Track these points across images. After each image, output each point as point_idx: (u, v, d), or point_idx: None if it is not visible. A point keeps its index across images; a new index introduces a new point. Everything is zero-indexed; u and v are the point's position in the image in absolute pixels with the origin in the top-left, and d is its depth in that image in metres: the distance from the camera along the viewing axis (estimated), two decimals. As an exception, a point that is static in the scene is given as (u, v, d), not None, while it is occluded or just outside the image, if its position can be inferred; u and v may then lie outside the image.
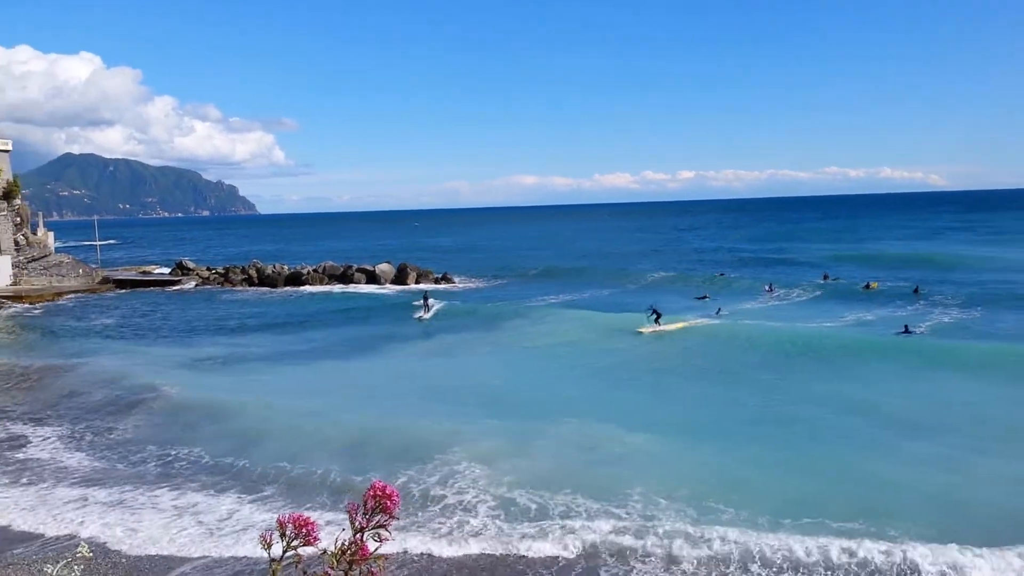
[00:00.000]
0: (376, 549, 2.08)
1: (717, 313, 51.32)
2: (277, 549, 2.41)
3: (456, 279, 79.95)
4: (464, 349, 42.74)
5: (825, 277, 67.59)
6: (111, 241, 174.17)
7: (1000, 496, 19.59)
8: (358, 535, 2.09)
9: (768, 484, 20.64)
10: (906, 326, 43.24)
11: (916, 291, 57.72)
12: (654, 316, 44.82)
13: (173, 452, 25.10)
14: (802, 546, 16.90)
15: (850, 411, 27.92)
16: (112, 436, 27.14)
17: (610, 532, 17.92)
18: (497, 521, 18.88)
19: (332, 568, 2.07)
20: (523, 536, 18.02)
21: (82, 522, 19.69)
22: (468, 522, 18.93)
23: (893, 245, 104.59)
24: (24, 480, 23.01)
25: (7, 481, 22.95)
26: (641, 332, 43.85)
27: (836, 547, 16.74)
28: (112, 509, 20.54)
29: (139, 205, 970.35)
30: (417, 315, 53.06)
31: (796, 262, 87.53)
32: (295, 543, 2.36)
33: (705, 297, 61.40)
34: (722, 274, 72.90)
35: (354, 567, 2.06)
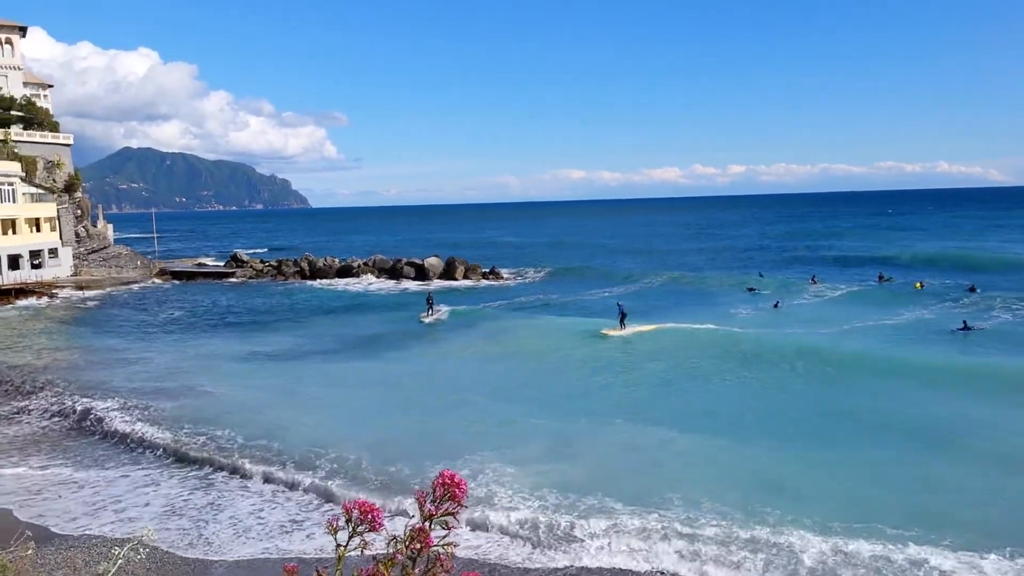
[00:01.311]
0: (445, 536, 2.12)
1: (776, 307, 52.13)
2: (343, 535, 2.47)
3: (505, 273, 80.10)
4: (501, 347, 42.74)
5: (881, 278, 65.42)
6: (167, 234, 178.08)
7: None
8: (427, 522, 2.13)
9: (815, 486, 20.22)
10: (965, 322, 42.18)
11: (972, 289, 55.62)
12: (620, 317, 42.48)
13: (222, 440, 25.58)
14: (853, 550, 16.38)
15: (896, 412, 27.27)
16: (173, 422, 27.77)
17: (651, 534, 17.67)
18: (528, 523, 18.57)
19: (401, 553, 2.11)
20: (555, 540, 17.69)
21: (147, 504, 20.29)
22: (502, 523, 18.72)
23: (948, 243, 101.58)
24: (87, 461, 23.73)
25: (69, 463, 23.69)
26: (606, 335, 41.65)
27: (891, 553, 16.20)
28: (172, 500, 21.08)
29: (195, 198, 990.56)
30: (422, 317, 50.48)
31: (845, 259, 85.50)
32: (361, 528, 2.42)
33: (753, 290, 61.60)
34: (761, 275, 70.14)
35: (423, 553, 2.10)
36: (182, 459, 24.12)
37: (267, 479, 22.01)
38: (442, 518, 2.11)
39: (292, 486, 21.41)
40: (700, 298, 57.49)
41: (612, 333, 41.74)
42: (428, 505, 2.14)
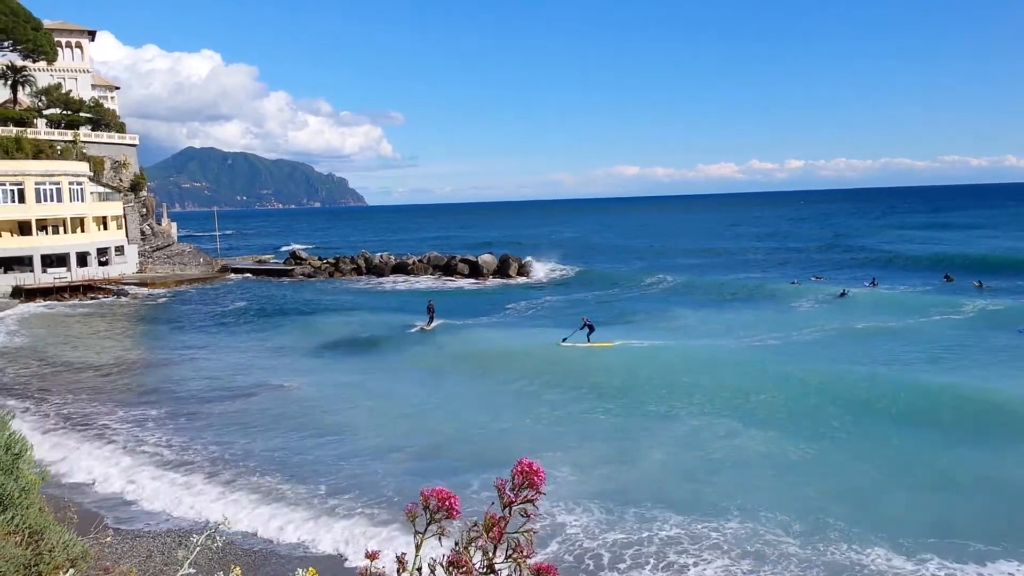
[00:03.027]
0: (524, 523, 2.16)
1: (872, 284, 58.81)
2: (421, 523, 2.52)
3: (558, 269, 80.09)
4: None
5: (947, 278, 63.51)
6: (228, 232, 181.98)
7: None
8: (506, 509, 2.17)
9: (885, 495, 19.62)
10: None
11: None
12: (586, 330, 39.27)
13: (288, 442, 26.13)
14: (928, 571, 15.63)
15: (973, 413, 26.51)
16: (234, 425, 28.42)
17: (704, 548, 17.48)
18: (583, 533, 18.49)
19: (483, 538, 2.15)
20: (607, 548, 17.61)
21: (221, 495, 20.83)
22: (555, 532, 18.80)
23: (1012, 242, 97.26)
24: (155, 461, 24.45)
25: (150, 462, 24.42)
26: (562, 344, 38.83)
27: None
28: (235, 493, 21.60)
29: (255, 197, 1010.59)
30: (417, 326, 46.89)
31: (905, 257, 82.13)
32: (439, 515, 2.46)
33: (820, 278, 62.80)
34: (802, 282, 63.40)
35: (502, 540, 2.14)
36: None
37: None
38: (521, 505, 2.15)
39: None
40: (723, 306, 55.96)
41: (569, 344, 38.68)
42: (507, 492, 2.17)
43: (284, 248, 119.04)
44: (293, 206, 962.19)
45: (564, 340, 38.96)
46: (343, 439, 25.16)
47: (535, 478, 2.12)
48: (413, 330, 46.08)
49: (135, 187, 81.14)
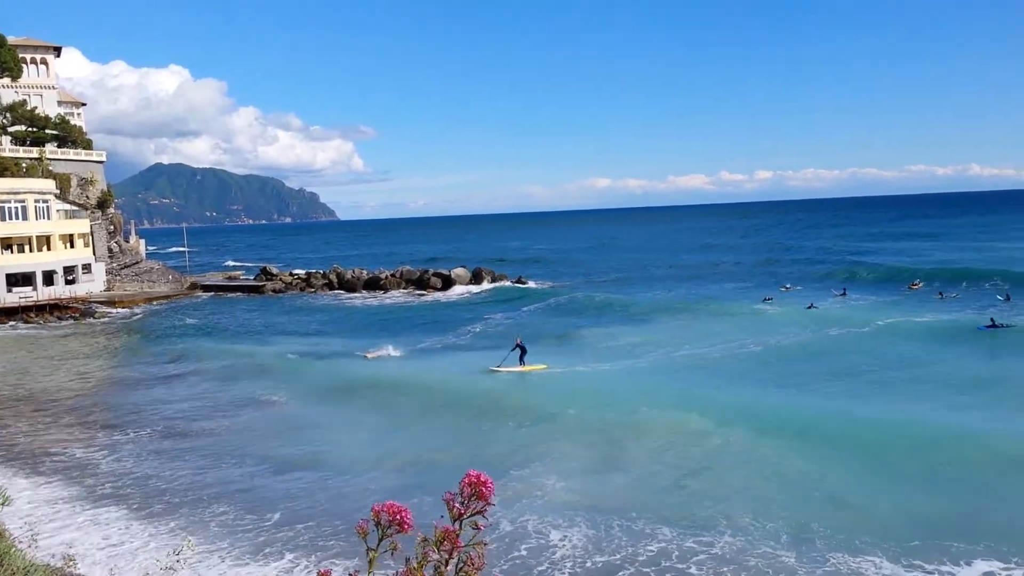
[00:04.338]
0: (474, 536, 2.14)
1: (843, 294, 59.79)
2: (372, 539, 2.50)
3: (531, 282, 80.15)
4: (557, 343, 42.82)
5: (913, 286, 64.94)
6: (198, 248, 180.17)
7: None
8: (456, 522, 2.16)
9: (870, 498, 19.86)
10: (992, 319, 42.44)
11: (1007, 298, 53.97)
12: (518, 353, 37.03)
13: (244, 454, 25.81)
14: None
15: (954, 414, 26.89)
16: (210, 445, 28.05)
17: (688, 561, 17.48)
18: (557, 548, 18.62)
19: (434, 551, 2.13)
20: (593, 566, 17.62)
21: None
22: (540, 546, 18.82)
23: (981, 250, 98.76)
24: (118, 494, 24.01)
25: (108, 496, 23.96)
26: (494, 371, 36.56)
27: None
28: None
29: (225, 213, 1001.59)
30: (368, 353, 43.68)
31: (871, 267, 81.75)
32: (390, 531, 2.44)
33: (788, 288, 63.70)
34: (770, 298, 60.64)
35: (454, 554, 2.12)
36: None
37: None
38: (471, 518, 2.14)
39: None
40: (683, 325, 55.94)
41: (502, 370, 36.45)
42: (457, 505, 2.16)
43: (255, 263, 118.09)
44: (264, 221, 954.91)
45: (499, 365, 36.70)
46: (298, 475, 24.43)
47: (483, 489, 2.11)
48: (371, 355, 42.68)
49: (102, 204, 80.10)
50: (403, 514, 2.41)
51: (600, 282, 79.63)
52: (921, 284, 64.93)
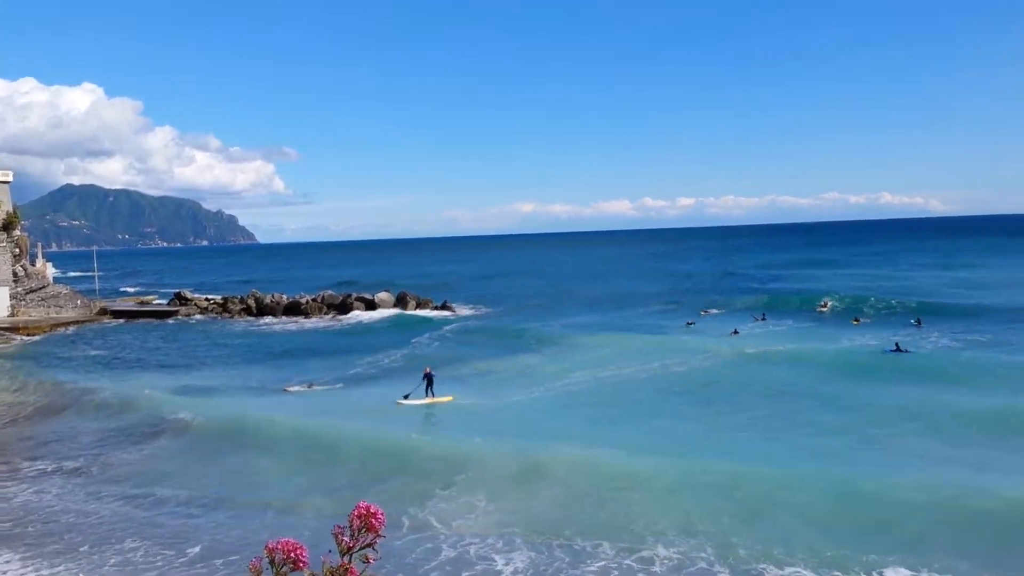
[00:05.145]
0: (364, 570, 2.05)
1: (762, 318, 60.87)
2: None
3: (456, 307, 79.90)
4: (467, 373, 42.69)
5: (821, 307, 67.54)
6: (106, 273, 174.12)
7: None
8: (345, 556, 2.06)
9: (783, 506, 20.63)
10: (897, 344, 43.97)
11: (918, 323, 55.62)
12: (426, 386, 36.05)
13: (155, 487, 24.92)
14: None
15: (849, 430, 27.80)
16: (94, 469, 26.92)
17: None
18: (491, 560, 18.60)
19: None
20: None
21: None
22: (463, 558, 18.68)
23: (893, 278, 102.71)
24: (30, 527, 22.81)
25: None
26: (403, 404, 35.38)
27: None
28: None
29: (138, 235, 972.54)
30: (287, 387, 41.74)
31: (789, 292, 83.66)
32: (284, 569, 2.33)
33: (708, 312, 65.38)
34: (691, 323, 62.21)
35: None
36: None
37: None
38: (361, 551, 2.05)
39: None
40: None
41: (411, 402, 35.36)
42: (345, 538, 2.07)
43: (170, 288, 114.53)
44: (179, 244, 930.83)
45: (406, 397, 35.68)
46: (204, 511, 23.64)
47: (373, 521, 2.02)
48: (296, 389, 40.97)
49: (7, 226, 76.63)
50: (298, 551, 2.30)
51: (522, 308, 79.81)
52: (829, 305, 67.32)
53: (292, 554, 2.27)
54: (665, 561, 18.18)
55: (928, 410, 30.24)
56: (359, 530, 2.04)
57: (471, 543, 19.64)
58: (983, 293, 72.90)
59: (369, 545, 2.05)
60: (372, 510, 2.05)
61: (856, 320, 59.79)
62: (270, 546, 2.34)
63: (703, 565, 17.95)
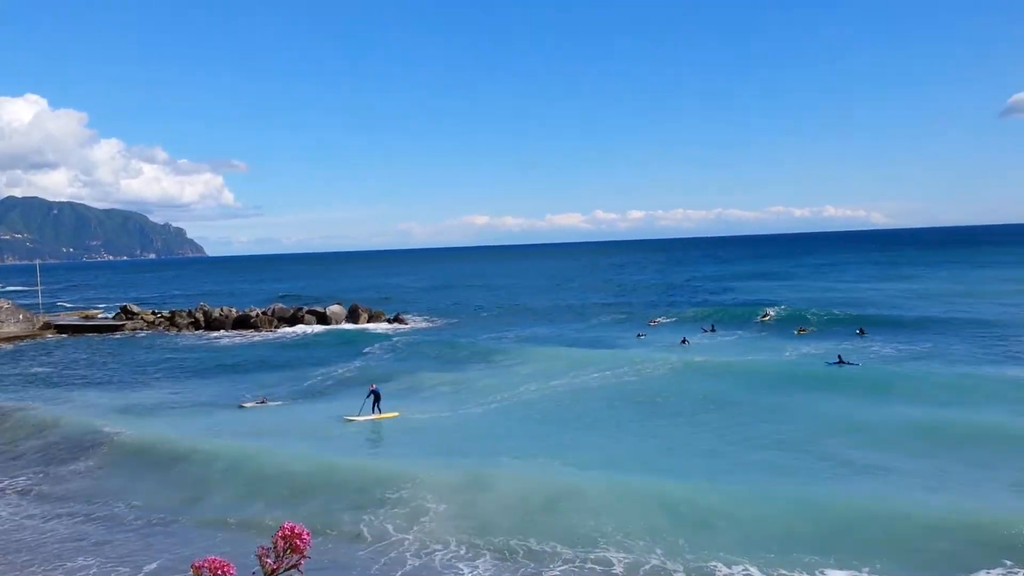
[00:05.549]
0: (288, 590, 2.09)
1: (711, 329, 61.83)
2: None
3: (409, 320, 79.56)
4: (417, 387, 42.52)
5: (763, 317, 68.75)
6: (50, 287, 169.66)
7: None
8: (269, 578, 2.10)
9: (732, 516, 21.11)
10: (840, 356, 44.62)
11: (861, 332, 56.64)
12: (372, 402, 35.59)
13: (106, 505, 24.38)
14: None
15: (800, 440, 28.36)
16: (42, 488, 26.26)
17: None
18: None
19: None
20: None
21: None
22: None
23: (836, 290, 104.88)
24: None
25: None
26: (351, 420, 34.77)
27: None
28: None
29: (83, 248, 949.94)
30: (246, 403, 40.63)
31: (737, 304, 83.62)
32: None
33: (656, 322, 66.24)
34: (641, 334, 62.29)
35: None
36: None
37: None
38: (285, 572, 2.09)
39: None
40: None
41: (358, 419, 34.78)
42: (269, 560, 2.11)
43: (116, 302, 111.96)
44: (126, 258, 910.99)
45: (359, 414, 35.07)
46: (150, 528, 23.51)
47: (298, 542, 2.07)
48: (250, 404, 40.03)
49: (-58, 239, 74.44)
50: (226, 568, 2.33)
51: (474, 320, 79.75)
52: (771, 315, 68.34)
53: (219, 571, 2.30)
54: (622, 562, 18.87)
55: (871, 422, 30.81)
56: (284, 551, 2.08)
57: (435, 551, 19.94)
58: (923, 303, 74.77)
59: (294, 566, 2.09)
60: (297, 530, 2.09)
61: (802, 330, 60.57)
62: (196, 564, 2.37)
63: (656, 563, 18.69)
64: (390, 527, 21.46)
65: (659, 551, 19.31)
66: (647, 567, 18.65)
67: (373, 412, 35.22)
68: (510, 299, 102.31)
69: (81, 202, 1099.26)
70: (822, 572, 17.86)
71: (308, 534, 2.12)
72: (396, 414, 35.70)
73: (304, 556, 2.12)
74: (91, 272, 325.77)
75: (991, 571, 17.52)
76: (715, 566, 18.49)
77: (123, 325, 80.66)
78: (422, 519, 21.87)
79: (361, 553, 20.00)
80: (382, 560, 19.54)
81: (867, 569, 17.84)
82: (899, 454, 26.50)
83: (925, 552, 18.54)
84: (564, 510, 21.90)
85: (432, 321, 79.97)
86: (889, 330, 57.64)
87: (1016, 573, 17.48)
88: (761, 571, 18.08)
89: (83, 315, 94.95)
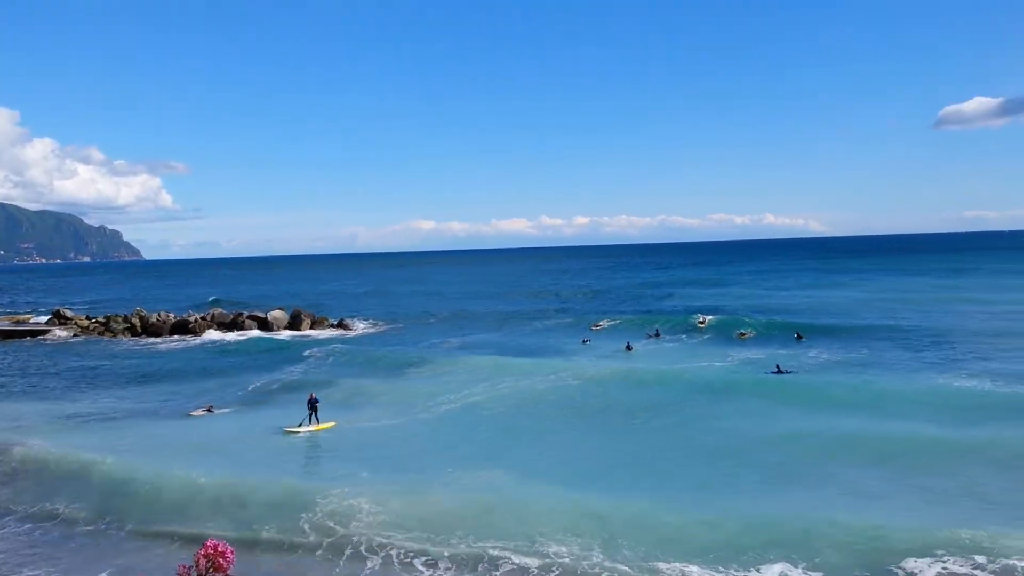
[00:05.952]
0: (210, 609, 2.03)
1: (656, 335, 62.69)
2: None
3: (353, 325, 78.77)
4: (356, 396, 42.05)
5: (740, 334, 69.27)
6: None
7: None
8: (191, 596, 2.04)
9: (663, 520, 21.44)
10: (778, 366, 45.48)
11: (799, 337, 58.35)
12: (310, 413, 35.17)
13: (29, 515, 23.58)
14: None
15: (736, 449, 28.84)
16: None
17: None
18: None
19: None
20: None
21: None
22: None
23: (772, 292, 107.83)
24: None
25: None
26: (291, 432, 34.06)
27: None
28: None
29: (15, 251, 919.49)
30: (194, 412, 39.72)
31: (682, 309, 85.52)
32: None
33: (599, 326, 66.40)
34: (586, 340, 62.90)
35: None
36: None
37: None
38: (209, 590, 2.03)
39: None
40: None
41: (298, 431, 34.17)
42: (192, 578, 2.05)
43: (49, 306, 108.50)
44: (59, 260, 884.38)
45: (300, 425, 34.47)
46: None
47: (221, 560, 2.02)
48: (198, 412, 39.08)
49: None
50: (225, 554, 2.26)
51: (418, 326, 79.27)
52: (707, 320, 69.25)
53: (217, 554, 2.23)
54: (565, 557, 19.56)
55: (804, 432, 31.37)
56: (206, 570, 2.02)
57: (369, 558, 19.94)
58: (858, 309, 76.80)
59: (217, 584, 2.03)
60: (220, 548, 2.04)
61: (742, 334, 61.89)
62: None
63: (597, 559, 19.34)
64: (325, 539, 21.12)
65: (596, 548, 19.83)
66: (589, 563, 19.18)
67: (311, 423, 34.63)
68: (456, 305, 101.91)
69: (12, 203, 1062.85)
70: (757, 568, 18.36)
71: (232, 552, 2.06)
72: (332, 424, 35.12)
73: (227, 574, 2.06)
74: (22, 275, 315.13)
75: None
76: (653, 564, 18.94)
77: (52, 330, 78.25)
78: (353, 523, 21.67)
79: (294, 562, 19.86)
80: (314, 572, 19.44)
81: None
82: (830, 464, 27.08)
83: (838, 558, 19.01)
84: (502, 517, 21.86)
85: (377, 326, 79.34)
86: (825, 336, 59.08)
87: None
88: (699, 567, 18.63)
89: (13, 319, 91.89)
